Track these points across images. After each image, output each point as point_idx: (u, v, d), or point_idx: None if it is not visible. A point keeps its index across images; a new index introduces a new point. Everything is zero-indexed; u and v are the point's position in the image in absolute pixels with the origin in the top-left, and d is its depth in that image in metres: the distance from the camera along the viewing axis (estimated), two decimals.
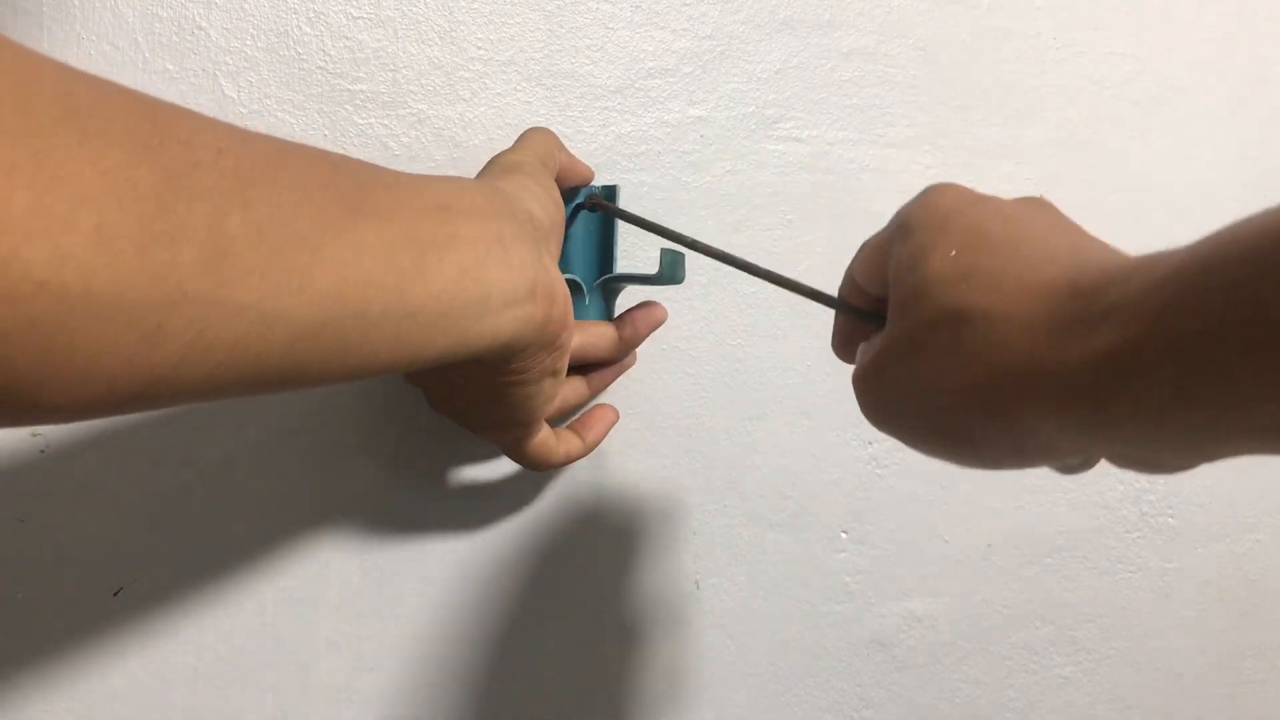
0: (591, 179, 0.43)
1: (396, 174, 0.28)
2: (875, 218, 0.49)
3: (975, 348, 0.24)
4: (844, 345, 0.35)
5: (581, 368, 0.42)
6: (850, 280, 0.33)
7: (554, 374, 0.35)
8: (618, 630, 0.46)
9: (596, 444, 0.42)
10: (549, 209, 0.34)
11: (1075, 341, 0.22)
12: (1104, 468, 0.55)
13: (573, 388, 0.41)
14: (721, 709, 0.48)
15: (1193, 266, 0.20)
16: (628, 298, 0.45)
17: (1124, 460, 0.25)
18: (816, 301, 0.35)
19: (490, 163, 0.37)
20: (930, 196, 0.29)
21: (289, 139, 0.25)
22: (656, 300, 0.43)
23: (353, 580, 0.43)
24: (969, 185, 0.30)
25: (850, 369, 0.31)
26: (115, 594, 0.40)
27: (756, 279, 0.38)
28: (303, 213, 0.23)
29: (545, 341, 0.32)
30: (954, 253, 0.26)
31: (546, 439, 0.39)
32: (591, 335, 0.40)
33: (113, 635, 0.40)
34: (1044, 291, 0.23)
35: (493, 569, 0.45)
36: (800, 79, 0.48)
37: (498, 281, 0.29)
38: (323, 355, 0.24)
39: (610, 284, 0.42)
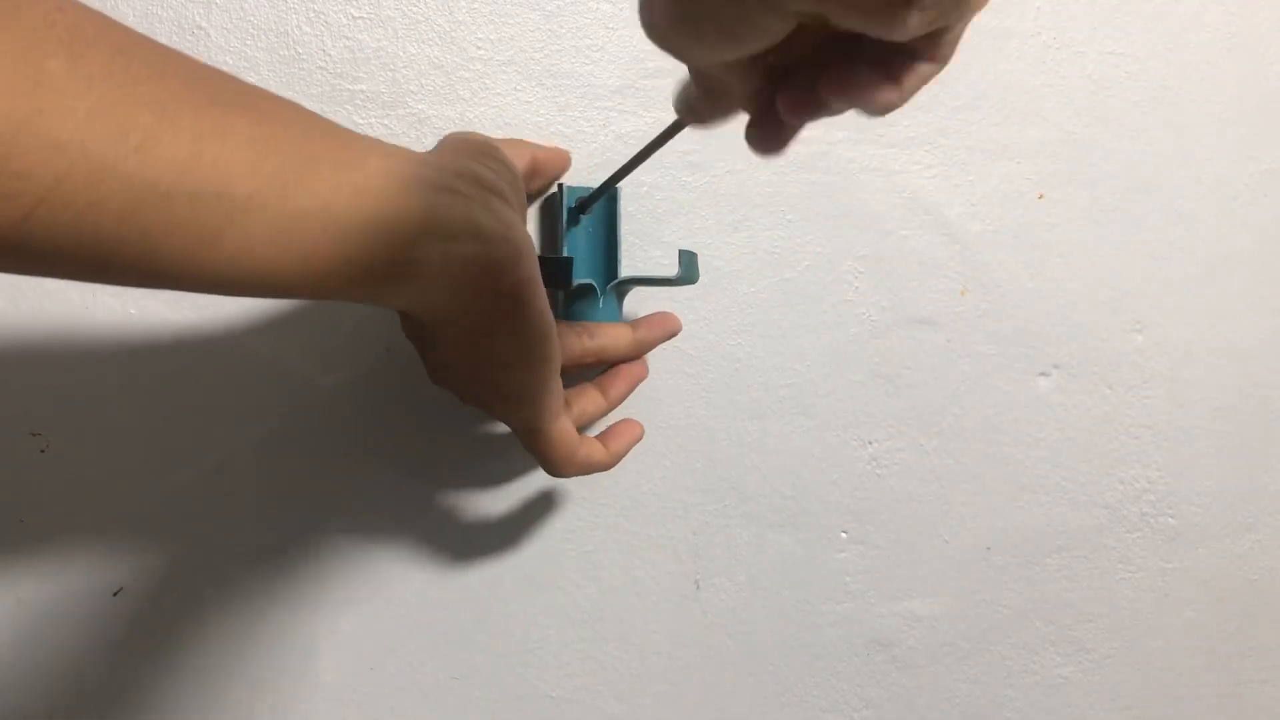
0: (568, 162, 0.43)
1: (320, 118, 0.28)
2: (875, 218, 0.50)
3: None
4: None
5: (597, 381, 0.42)
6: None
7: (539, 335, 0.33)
8: (618, 630, 0.46)
9: (620, 456, 0.41)
10: (494, 168, 0.33)
11: None
12: (1104, 468, 0.55)
13: (590, 398, 0.41)
14: (721, 709, 0.48)
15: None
16: (636, 301, 0.45)
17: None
18: (675, 131, 0.33)
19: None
20: None
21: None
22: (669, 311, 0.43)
23: (353, 580, 0.43)
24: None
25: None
26: (115, 594, 0.40)
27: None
28: (153, 83, 0.23)
29: (479, 286, 0.30)
30: None
31: (568, 429, 0.37)
32: (609, 337, 0.40)
33: (113, 635, 0.40)
34: None
35: (492, 569, 0.45)
36: None
37: (416, 210, 0.28)
38: (180, 231, 0.24)
39: (622, 286, 0.42)
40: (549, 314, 0.33)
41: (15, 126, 0.21)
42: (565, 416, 0.37)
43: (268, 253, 0.25)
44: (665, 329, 0.42)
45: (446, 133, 0.43)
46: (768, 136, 0.26)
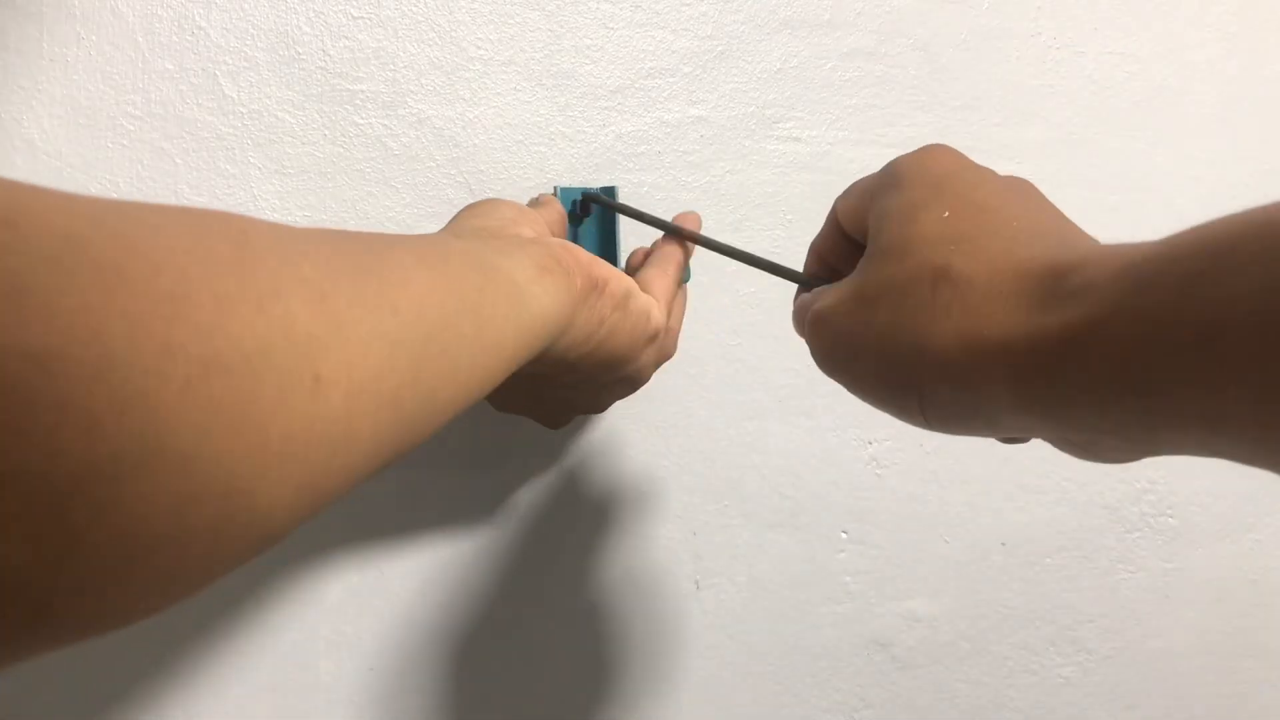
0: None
1: (379, 235, 0.30)
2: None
3: (948, 308, 0.24)
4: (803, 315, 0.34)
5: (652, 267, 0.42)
6: (833, 220, 0.33)
7: (650, 339, 0.36)
8: (618, 630, 0.46)
9: (690, 243, 0.41)
10: (516, 220, 0.35)
11: (1043, 316, 0.22)
12: (1104, 468, 0.55)
13: (664, 253, 0.41)
14: (721, 709, 0.48)
15: (1161, 256, 0.20)
16: None
17: (1066, 445, 0.25)
18: (783, 277, 0.35)
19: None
20: (929, 154, 0.29)
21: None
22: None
23: (353, 580, 0.43)
24: None
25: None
26: None
27: (753, 269, 0.38)
28: (346, 256, 0.24)
29: (594, 296, 0.33)
30: (946, 214, 0.26)
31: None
32: (661, 258, 0.41)
33: (113, 635, 0.40)
34: (1025, 267, 0.24)
35: (492, 569, 0.45)
36: (800, 79, 0.48)
37: (514, 271, 0.30)
38: (440, 373, 0.25)
39: None
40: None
41: (338, 344, 0.21)
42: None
43: (496, 363, 0.28)
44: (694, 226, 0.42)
45: (446, 132, 0.43)
46: None
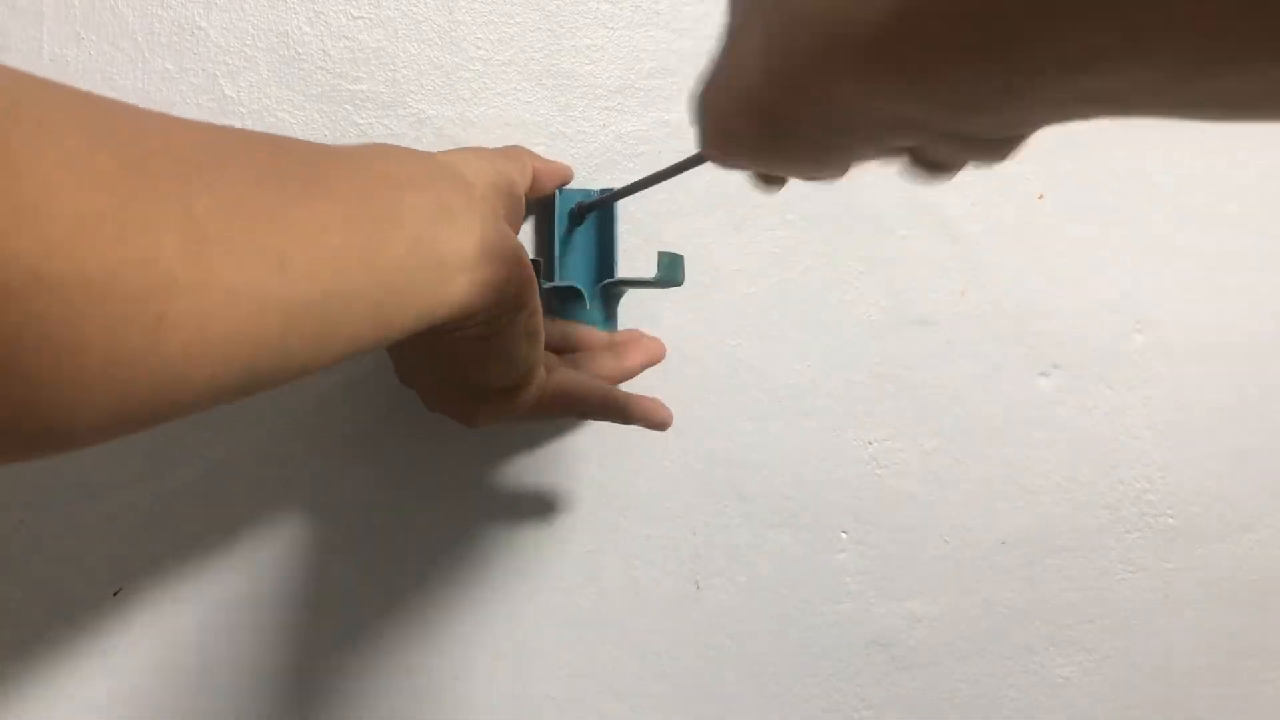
0: (570, 176, 0.43)
1: (329, 148, 0.28)
2: (875, 218, 0.49)
3: (774, 19, 0.20)
4: None
5: (613, 345, 0.43)
6: None
7: (531, 336, 0.34)
8: (618, 630, 0.46)
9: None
10: (486, 175, 0.35)
11: None
12: (1104, 468, 0.55)
13: (603, 362, 0.41)
14: (722, 709, 0.48)
15: None
16: (634, 302, 0.45)
17: (946, 143, 0.21)
18: (690, 166, 0.34)
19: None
20: None
21: (232, 126, 0.25)
22: (658, 339, 0.44)
23: (353, 580, 0.43)
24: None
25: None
26: (115, 594, 0.40)
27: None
28: (261, 193, 0.23)
29: (508, 303, 0.32)
30: None
31: (569, 377, 0.39)
32: (599, 370, 0.41)
33: (113, 635, 0.40)
34: None
35: (492, 569, 0.45)
36: None
37: (450, 247, 0.29)
38: (310, 338, 0.24)
39: (611, 289, 0.42)
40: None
41: (200, 294, 0.20)
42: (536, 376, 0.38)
43: (368, 333, 0.26)
44: (649, 358, 0.43)
45: (446, 132, 0.43)
46: None
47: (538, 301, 0.34)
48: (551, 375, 0.38)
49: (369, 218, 0.26)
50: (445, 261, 0.29)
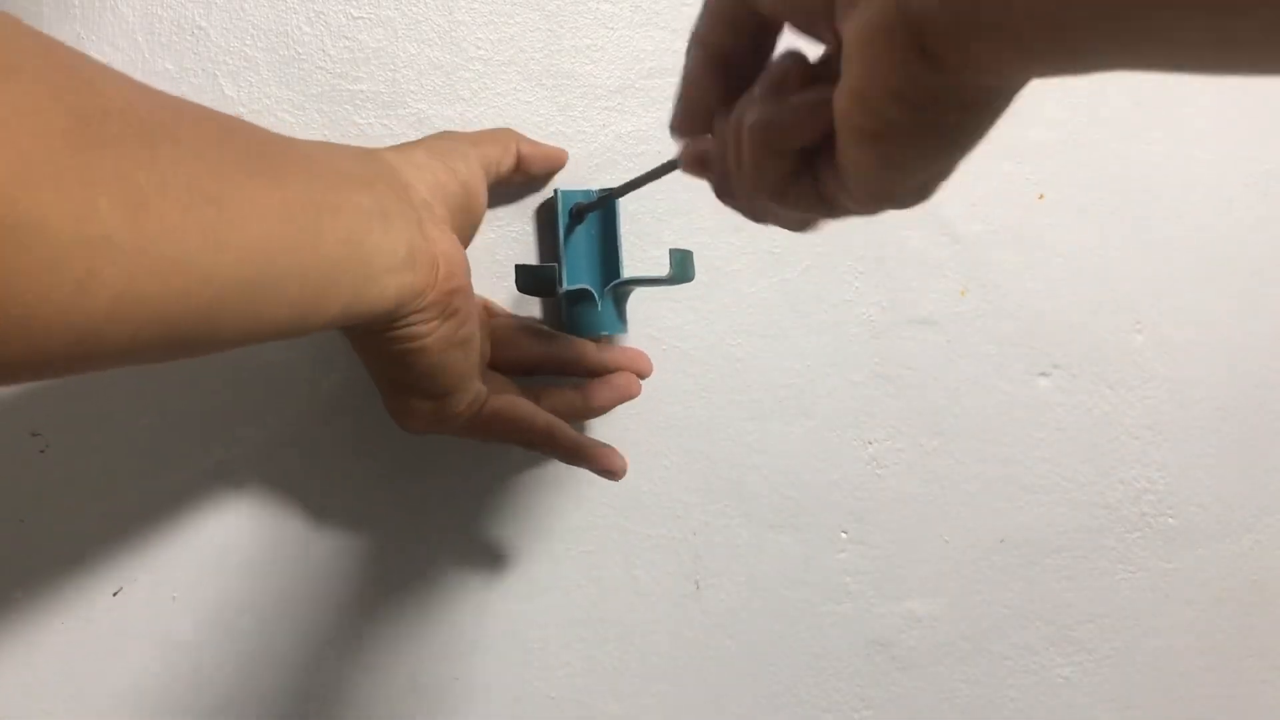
0: (563, 161, 0.43)
1: (277, 136, 0.29)
2: (875, 218, 0.49)
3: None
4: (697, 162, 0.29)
5: (580, 385, 0.42)
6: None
7: (461, 345, 0.34)
8: (618, 630, 0.46)
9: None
10: (430, 175, 0.35)
11: None
12: (1104, 468, 0.55)
13: (562, 397, 0.41)
14: (721, 709, 0.48)
15: None
16: (634, 303, 0.45)
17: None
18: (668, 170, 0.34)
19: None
20: None
21: (184, 97, 0.26)
22: (635, 378, 0.42)
23: (352, 580, 0.43)
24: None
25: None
26: (115, 594, 0.40)
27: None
28: (204, 172, 0.23)
29: (433, 309, 0.32)
30: None
31: (511, 402, 0.38)
32: (559, 404, 0.41)
33: (113, 635, 0.40)
34: None
35: (492, 569, 0.45)
36: None
37: (378, 248, 0.29)
38: (236, 316, 0.24)
39: (620, 288, 0.42)
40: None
41: (135, 257, 0.21)
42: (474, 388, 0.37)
43: (288, 318, 0.27)
44: (622, 396, 0.42)
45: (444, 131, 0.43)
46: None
47: (472, 311, 0.34)
48: (495, 397, 0.38)
49: (307, 209, 0.27)
50: (373, 261, 0.29)
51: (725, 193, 0.29)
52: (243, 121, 0.27)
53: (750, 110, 0.25)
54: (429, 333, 0.33)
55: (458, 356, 0.35)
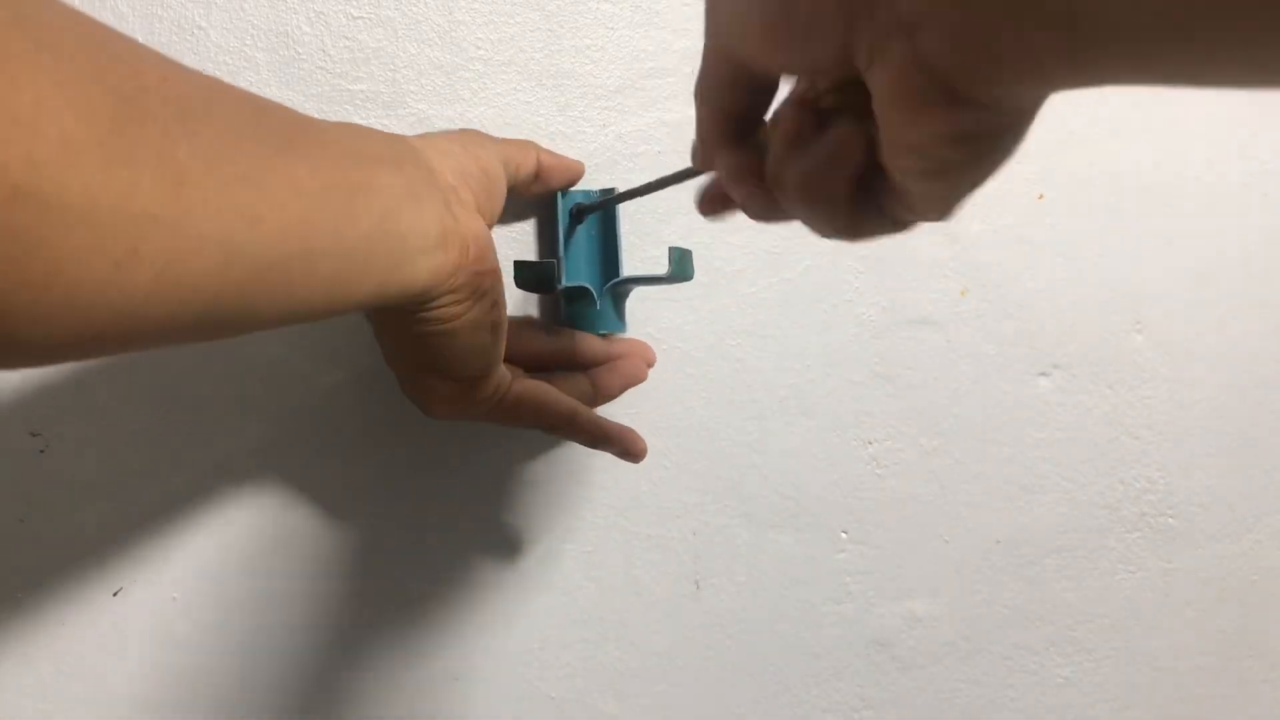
0: (581, 173, 0.43)
1: (308, 118, 0.29)
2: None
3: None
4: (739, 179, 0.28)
5: (591, 371, 0.42)
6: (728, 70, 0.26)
7: (491, 329, 0.34)
8: (618, 630, 0.46)
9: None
10: (455, 160, 0.35)
11: None
12: (1104, 468, 0.55)
13: (575, 382, 0.41)
14: (721, 709, 0.48)
15: None
16: (634, 302, 0.45)
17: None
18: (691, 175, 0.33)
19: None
20: None
21: (220, 79, 0.26)
22: (643, 363, 0.43)
23: (353, 580, 0.43)
24: None
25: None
26: (115, 594, 0.40)
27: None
28: (241, 149, 0.23)
29: (464, 290, 0.32)
30: None
31: (535, 386, 0.38)
32: (570, 391, 0.41)
33: (113, 635, 0.40)
34: None
35: (492, 569, 0.45)
36: None
37: (411, 228, 0.29)
38: (270, 296, 0.24)
39: (619, 287, 0.42)
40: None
41: (174, 236, 0.21)
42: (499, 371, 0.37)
43: (323, 298, 0.27)
44: (629, 380, 0.42)
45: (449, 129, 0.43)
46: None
47: (502, 295, 0.34)
48: (518, 380, 0.38)
49: (341, 188, 0.27)
50: (406, 241, 0.29)
51: (761, 216, 0.29)
52: (273, 101, 0.27)
53: (785, 171, 0.25)
54: (460, 314, 0.33)
55: (487, 340, 0.35)
